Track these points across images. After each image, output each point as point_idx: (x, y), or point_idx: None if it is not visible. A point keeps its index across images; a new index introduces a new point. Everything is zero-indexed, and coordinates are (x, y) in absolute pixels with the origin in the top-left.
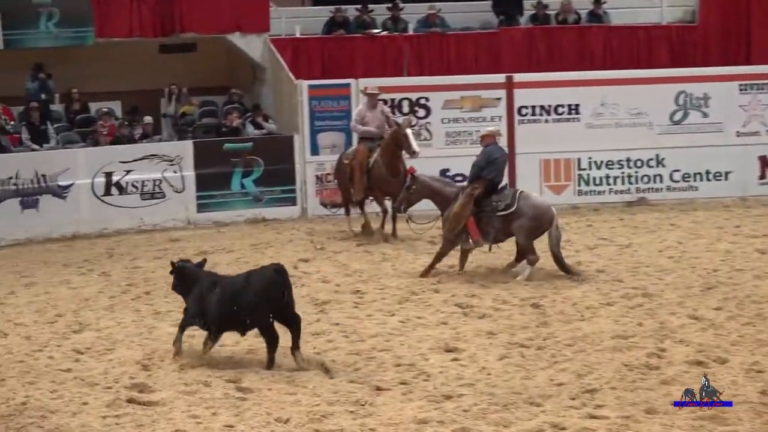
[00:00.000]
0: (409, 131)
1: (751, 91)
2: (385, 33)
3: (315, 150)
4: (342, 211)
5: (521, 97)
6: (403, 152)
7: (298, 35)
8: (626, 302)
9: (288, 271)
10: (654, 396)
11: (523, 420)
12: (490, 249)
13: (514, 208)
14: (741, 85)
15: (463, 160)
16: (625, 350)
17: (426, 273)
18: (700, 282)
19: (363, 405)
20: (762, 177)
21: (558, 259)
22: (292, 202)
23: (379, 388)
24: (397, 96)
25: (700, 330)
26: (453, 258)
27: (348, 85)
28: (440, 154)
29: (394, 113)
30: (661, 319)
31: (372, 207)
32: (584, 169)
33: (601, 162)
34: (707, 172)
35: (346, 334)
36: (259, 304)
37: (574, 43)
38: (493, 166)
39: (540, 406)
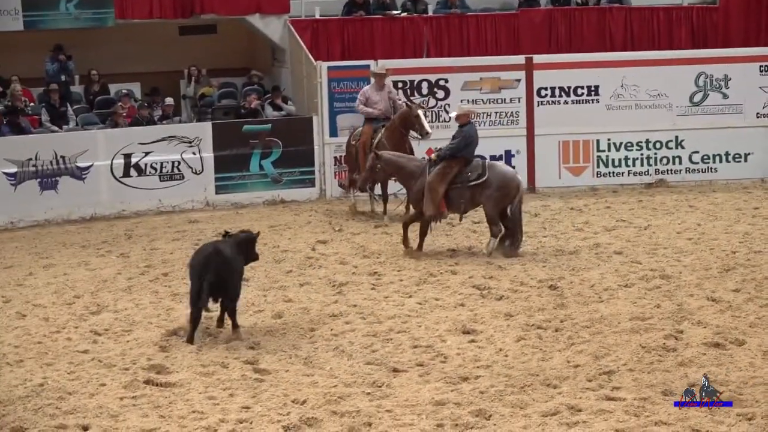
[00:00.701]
0: (420, 112)
1: None
2: (404, 14)
3: (334, 132)
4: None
5: (540, 78)
6: (414, 134)
7: (317, 17)
8: (644, 284)
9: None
10: (671, 378)
11: (540, 402)
12: (460, 219)
13: (485, 178)
14: (762, 66)
15: (482, 142)
16: (643, 332)
17: (420, 248)
18: (719, 264)
19: (380, 386)
20: None
21: (517, 225)
22: (311, 183)
23: (396, 370)
24: (417, 77)
25: (718, 312)
26: (472, 239)
27: (368, 66)
28: None
29: (413, 94)
30: (678, 301)
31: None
32: (603, 151)
33: (620, 144)
34: (727, 154)
35: (364, 315)
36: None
37: (594, 24)
38: (470, 147)
39: (557, 387)
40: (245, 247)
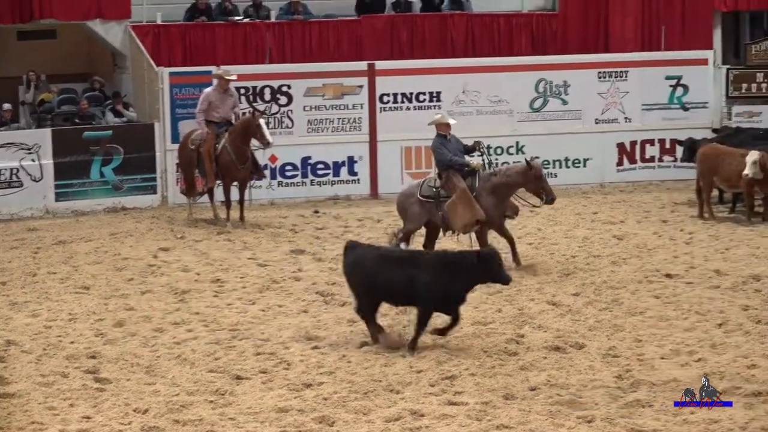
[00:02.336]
0: (262, 121)
1: (609, 79)
2: (247, 20)
3: (176, 138)
4: (203, 198)
5: (383, 84)
6: (256, 143)
7: (159, 22)
8: (485, 288)
9: None
10: (513, 382)
11: (383, 407)
12: (444, 234)
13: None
14: (600, 72)
15: (325, 148)
16: (485, 336)
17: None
18: (559, 268)
19: (223, 394)
20: (620, 164)
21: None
22: (153, 190)
23: (239, 377)
24: (259, 83)
25: (558, 316)
26: (315, 245)
27: (210, 72)
28: (302, 141)
29: (255, 100)
30: (519, 306)
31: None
32: None
33: None
34: (566, 159)
35: (206, 323)
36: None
37: (435, 30)
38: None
39: (399, 393)
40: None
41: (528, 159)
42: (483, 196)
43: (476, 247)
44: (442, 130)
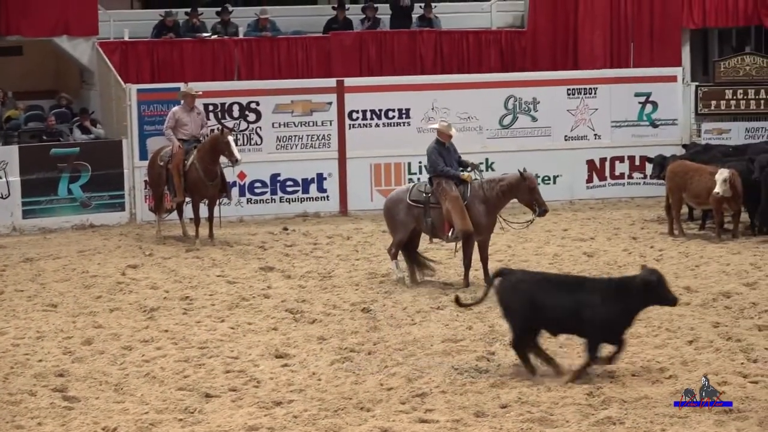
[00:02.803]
0: (230, 138)
1: (579, 96)
2: (215, 37)
3: (144, 155)
4: (172, 215)
5: (352, 101)
6: (224, 160)
7: (126, 39)
8: (456, 306)
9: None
10: (483, 399)
11: (353, 425)
12: (431, 241)
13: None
14: (569, 89)
15: (294, 165)
16: (455, 354)
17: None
18: None
19: (192, 412)
20: (589, 181)
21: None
22: (121, 207)
23: (208, 395)
24: (228, 100)
25: None
26: (284, 262)
27: (178, 89)
28: (271, 158)
29: (224, 117)
30: (490, 323)
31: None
32: (414, 173)
33: None
34: (536, 176)
35: (175, 341)
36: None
37: (404, 47)
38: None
39: (370, 410)
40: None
41: (522, 170)
42: (474, 205)
43: (460, 256)
44: (443, 138)
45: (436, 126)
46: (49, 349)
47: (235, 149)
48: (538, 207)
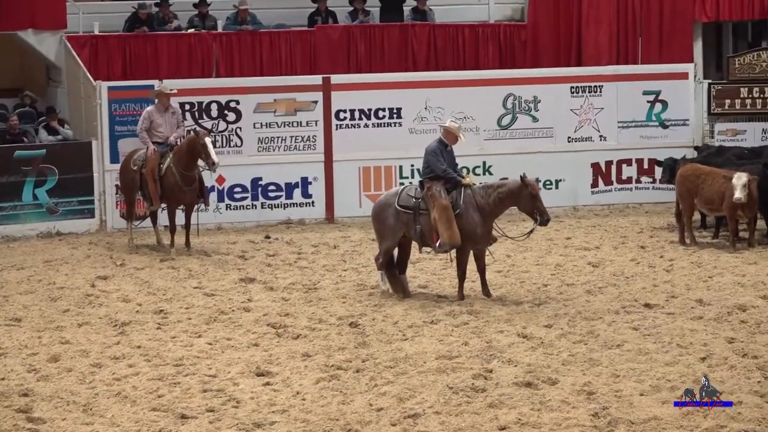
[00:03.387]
0: (208, 140)
1: (583, 94)
2: (192, 31)
3: (115, 158)
4: (145, 222)
5: (339, 100)
6: (202, 163)
7: (96, 33)
8: (451, 320)
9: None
10: (480, 420)
11: None
12: (420, 251)
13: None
14: (572, 87)
15: (276, 168)
16: (450, 372)
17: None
18: (530, 297)
19: None
20: (594, 185)
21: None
22: (90, 214)
23: (184, 416)
24: (206, 99)
25: (529, 349)
26: (266, 273)
27: (152, 86)
28: (252, 161)
29: (201, 117)
30: (488, 338)
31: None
32: (406, 177)
33: None
34: (537, 181)
35: (149, 357)
36: None
37: (395, 42)
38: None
39: None
40: None
41: (523, 175)
42: (469, 212)
43: (455, 267)
44: (449, 139)
45: (446, 124)
46: (12, 366)
47: (212, 152)
48: (540, 216)
